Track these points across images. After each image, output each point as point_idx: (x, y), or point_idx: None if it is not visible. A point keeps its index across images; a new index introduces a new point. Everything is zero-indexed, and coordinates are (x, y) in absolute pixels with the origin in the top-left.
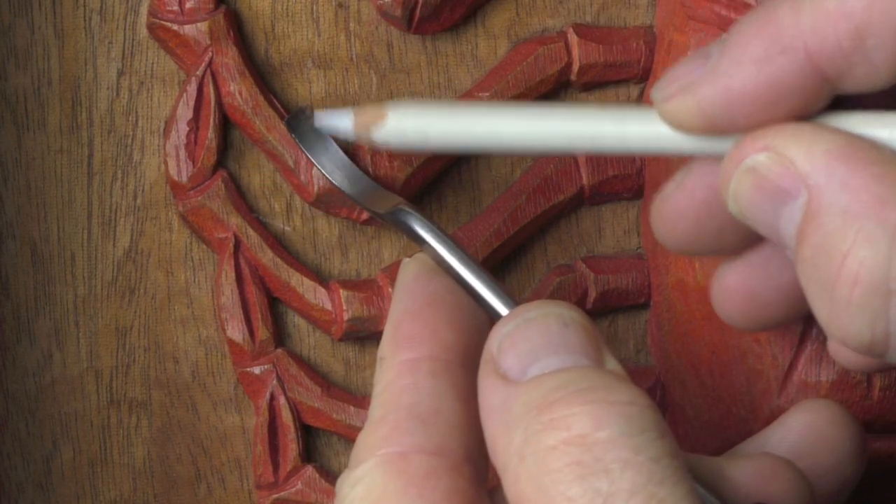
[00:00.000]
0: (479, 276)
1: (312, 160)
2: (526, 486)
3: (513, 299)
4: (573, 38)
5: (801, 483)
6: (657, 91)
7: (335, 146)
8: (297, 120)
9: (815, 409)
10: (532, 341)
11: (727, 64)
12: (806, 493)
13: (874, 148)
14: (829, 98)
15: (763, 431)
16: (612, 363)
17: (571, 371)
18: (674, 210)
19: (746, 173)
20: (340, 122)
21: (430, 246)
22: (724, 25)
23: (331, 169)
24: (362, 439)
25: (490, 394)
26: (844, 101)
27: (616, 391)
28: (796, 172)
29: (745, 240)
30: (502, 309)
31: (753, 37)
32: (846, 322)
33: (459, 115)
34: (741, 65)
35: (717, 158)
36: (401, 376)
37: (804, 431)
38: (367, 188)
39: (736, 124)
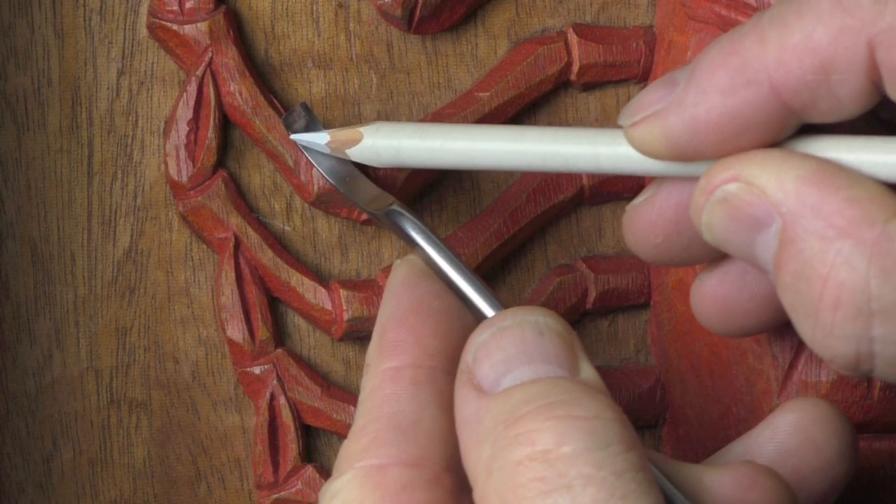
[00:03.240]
0: (468, 279)
1: (308, 157)
2: (493, 501)
3: (501, 303)
4: (573, 38)
5: (782, 492)
6: (625, 117)
7: None
8: (294, 117)
9: (802, 408)
10: (506, 350)
11: (693, 93)
12: (787, 502)
13: (843, 171)
14: (795, 128)
15: (751, 432)
16: (587, 371)
17: (541, 383)
18: (643, 224)
19: (718, 204)
20: (316, 143)
21: (420, 247)
22: (724, 25)
23: (327, 166)
24: (344, 449)
25: (464, 405)
26: (811, 126)
27: (582, 405)
28: (768, 201)
29: (715, 252)
30: (490, 313)
31: (719, 67)
32: (831, 344)
33: (433, 135)
34: (706, 94)
35: (687, 178)
36: (384, 385)
37: (791, 431)
38: (362, 186)
39: (702, 153)
